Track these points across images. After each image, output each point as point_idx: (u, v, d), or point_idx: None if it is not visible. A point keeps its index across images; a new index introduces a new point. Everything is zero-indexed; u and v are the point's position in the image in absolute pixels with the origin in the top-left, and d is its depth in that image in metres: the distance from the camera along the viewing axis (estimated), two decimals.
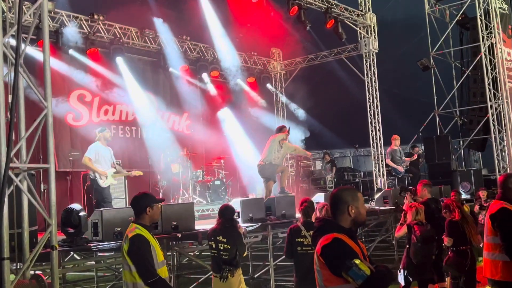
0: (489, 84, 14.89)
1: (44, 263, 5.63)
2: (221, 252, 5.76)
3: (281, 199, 8.62)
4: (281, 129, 10.11)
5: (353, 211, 3.04)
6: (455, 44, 17.42)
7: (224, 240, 5.77)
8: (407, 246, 6.68)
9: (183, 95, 15.24)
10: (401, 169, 12.43)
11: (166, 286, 4.36)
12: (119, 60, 13.20)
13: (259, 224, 7.71)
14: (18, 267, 4.77)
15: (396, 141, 12.65)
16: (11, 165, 4.37)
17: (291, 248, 5.69)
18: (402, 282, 6.71)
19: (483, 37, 15.05)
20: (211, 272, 6.18)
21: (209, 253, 6.20)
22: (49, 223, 4.84)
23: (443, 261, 6.36)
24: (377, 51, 15.86)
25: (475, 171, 13.69)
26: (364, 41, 15.79)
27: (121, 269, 9.34)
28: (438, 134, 16.05)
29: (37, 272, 5.43)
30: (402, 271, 6.71)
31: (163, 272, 4.37)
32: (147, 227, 4.38)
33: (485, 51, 14.99)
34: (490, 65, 15.06)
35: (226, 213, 5.95)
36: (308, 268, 5.20)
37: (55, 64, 11.65)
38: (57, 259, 4.92)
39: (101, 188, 8.60)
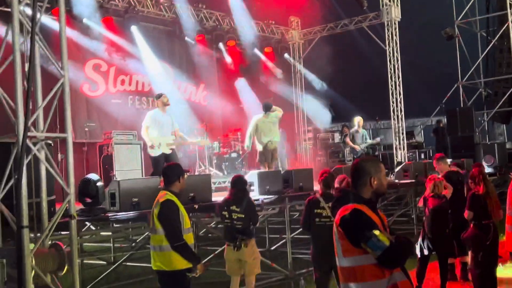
0: None
1: (62, 232, 5.63)
2: (235, 222, 5.78)
3: (299, 172, 8.50)
4: (271, 107, 9.97)
5: (375, 182, 2.99)
6: (481, 13, 16.83)
7: (238, 210, 5.78)
8: (424, 219, 6.64)
9: (199, 65, 15.07)
10: (358, 148, 12.29)
11: (191, 251, 4.59)
12: (134, 29, 13.07)
13: (276, 196, 7.61)
14: (37, 236, 4.77)
15: (360, 122, 12.49)
16: (28, 134, 4.33)
17: (308, 219, 5.63)
18: (418, 254, 6.72)
19: (510, 5, 14.49)
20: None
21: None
22: (67, 192, 4.80)
23: (462, 235, 6.24)
24: (399, 19, 15.36)
25: (499, 145, 13.31)
26: (386, 9, 15.28)
27: (138, 239, 9.47)
28: (462, 106, 15.67)
29: (55, 241, 5.45)
30: (419, 243, 6.69)
31: (188, 238, 4.59)
32: (177, 195, 4.65)
33: None
34: None
35: (238, 183, 5.95)
36: (326, 240, 5.09)
37: (69, 33, 11.49)
38: (76, 228, 4.91)
39: (153, 157, 8.44)
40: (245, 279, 5.86)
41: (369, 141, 12.62)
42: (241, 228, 5.73)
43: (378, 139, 13.24)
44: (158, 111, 8.61)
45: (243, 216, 5.74)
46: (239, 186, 5.91)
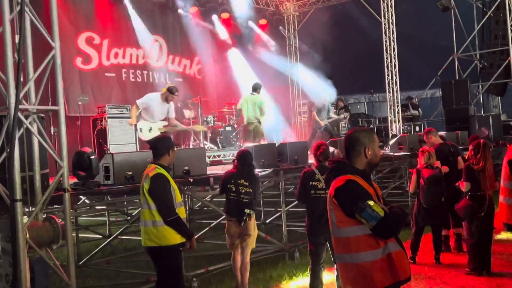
0: (511, 26, 14.23)
1: (56, 206, 5.62)
2: (242, 196, 5.74)
3: (293, 145, 8.49)
4: (257, 89, 10.27)
5: (369, 152, 2.99)
6: None
7: (247, 184, 5.76)
8: (418, 191, 6.66)
9: (193, 39, 14.90)
10: (322, 124, 12.69)
11: (184, 225, 4.54)
12: (127, 2, 12.85)
13: (271, 169, 7.61)
14: (30, 210, 4.75)
15: (327, 98, 12.96)
16: (20, 107, 4.26)
17: (304, 192, 5.60)
18: (413, 227, 6.78)
19: None
20: (224, 217, 6.15)
21: (222, 199, 6.15)
22: (60, 165, 4.75)
23: (455, 205, 6.27)
24: None
25: (494, 117, 13.32)
26: None
27: (133, 213, 9.49)
28: (457, 78, 15.62)
29: (49, 215, 5.43)
30: (414, 215, 6.75)
31: (181, 212, 4.55)
32: (166, 168, 4.56)
33: None
34: None
35: (247, 157, 5.89)
36: (321, 212, 5.15)
37: (61, 5, 11.31)
38: (70, 201, 4.89)
39: (145, 142, 8.45)
40: (242, 251, 5.87)
41: (334, 116, 12.95)
42: (248, 202, 5.73)
43: (342, 115, 13.45)
44: (158, 97, 8.46)
45: (251, 190, 5.74)
46: (247, 160, 5.86)
